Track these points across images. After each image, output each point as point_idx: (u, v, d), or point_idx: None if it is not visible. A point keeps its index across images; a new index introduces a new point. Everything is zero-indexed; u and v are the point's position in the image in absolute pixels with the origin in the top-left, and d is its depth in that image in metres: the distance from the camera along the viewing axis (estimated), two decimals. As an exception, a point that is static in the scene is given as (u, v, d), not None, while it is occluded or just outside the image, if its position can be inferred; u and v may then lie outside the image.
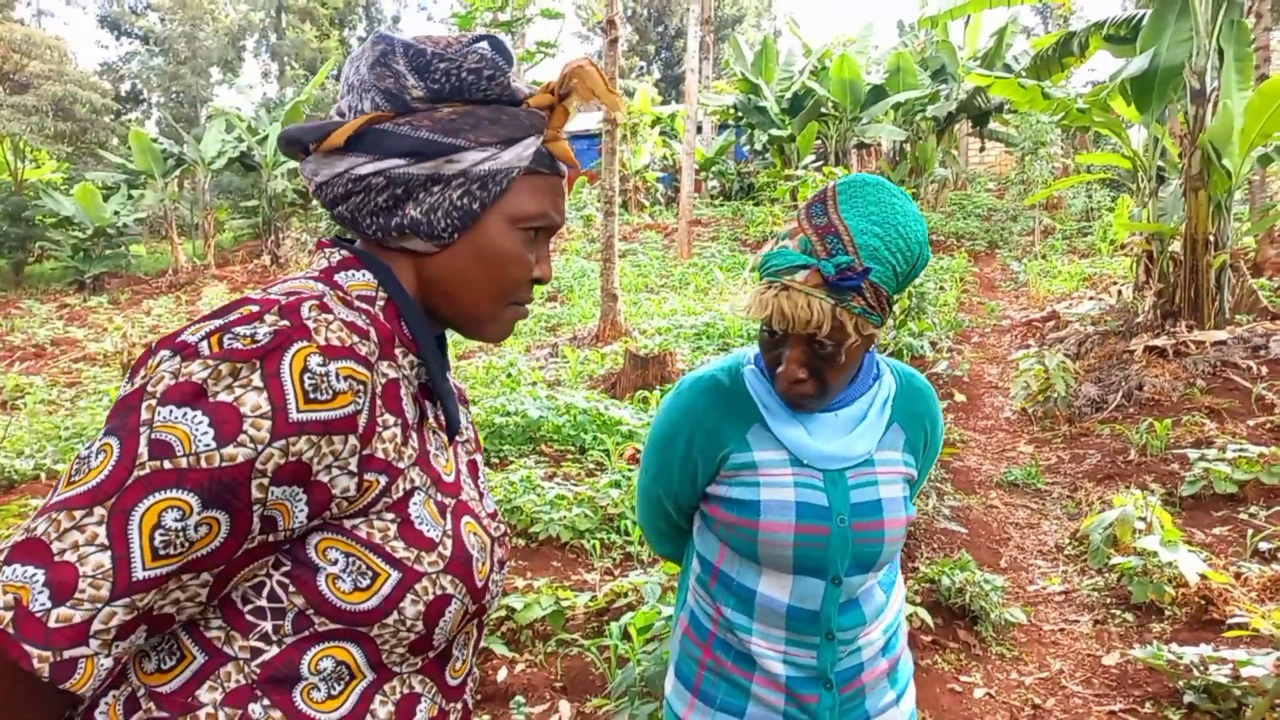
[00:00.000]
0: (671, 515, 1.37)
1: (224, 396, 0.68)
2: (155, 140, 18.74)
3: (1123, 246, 11.51)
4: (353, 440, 0.73)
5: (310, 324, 0.72)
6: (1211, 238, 6.87)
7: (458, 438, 0.93)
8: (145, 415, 0.68)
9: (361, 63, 0.83)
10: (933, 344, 7.74)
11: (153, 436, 0.67)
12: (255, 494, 0.69)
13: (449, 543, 0.80)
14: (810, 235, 1.14)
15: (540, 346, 9.02)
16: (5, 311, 14.79)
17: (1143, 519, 3.64)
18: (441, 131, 0.80)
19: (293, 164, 16.21)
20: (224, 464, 0.67)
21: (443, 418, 0.88)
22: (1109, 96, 7.56)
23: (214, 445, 0.67)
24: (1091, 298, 9.57)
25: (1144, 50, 7.03)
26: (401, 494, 0.78)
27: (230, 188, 21.11)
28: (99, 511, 0.66)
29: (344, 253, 0.85)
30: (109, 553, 0.66)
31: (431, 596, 0.78)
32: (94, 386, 8.74)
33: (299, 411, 0.69)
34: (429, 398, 0.87)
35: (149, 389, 0.69)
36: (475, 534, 0.85)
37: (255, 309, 0.72)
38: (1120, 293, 8.84)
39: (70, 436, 6.27)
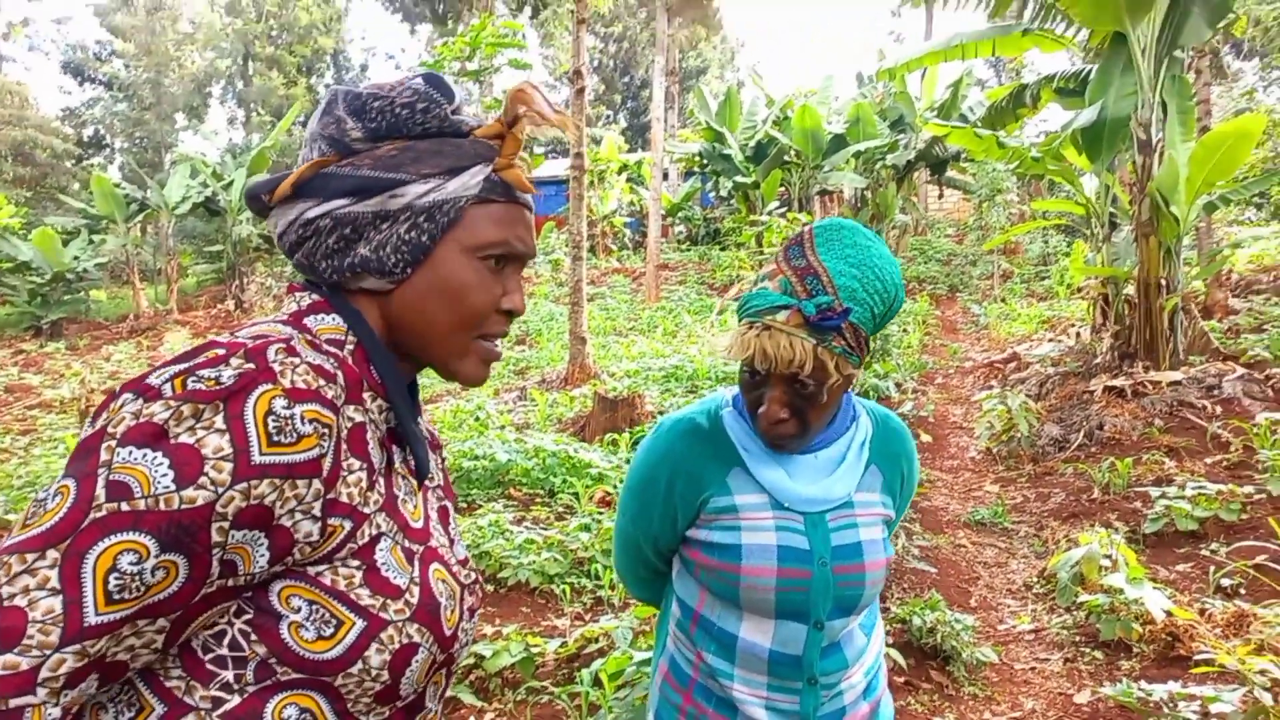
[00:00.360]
0: (650, 559, 1.36)
1: (185, 438, 0.67)
2: (118, 185, 18.58)
3: (1079, 290, 11.82)
4: (316, 484, 0.72)
5: (276, 367, 0.71)
6: (1163, 281, 7.09)
7: (428, 483, 0.92)
8: (104, 456, 0.66)
9: (314, 116, 0.86)
10: (898, 385, 7.84)
11: (111, 478, 0.65)
12: (215, 537, 0.67)
13: (416, 590, 0.79)
14: (790, 276, 1.16)
15: (509, 389, 8.98)
16: (-44, 358, 14.38)
17: (1108, 557, 3.68)
18: (382, 168, 0.81)
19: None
20: (183, 506, 0.66)
21: (412, 462, 0.87)
22: (1061, 146, 7.84)
23: (173, 487, 0.66)
24: (1051, 339, 9.80)
25: (1092, 103, 7.32)
26: (367, 540, 0.77)
27: (194, 233, 20.91)
28: (51, 555, 0.64)
29: (314, 296, 0.84)
30: (60, 597, 0.64)
31: (397, 645, 0.76)
32: (49, 434, 8.50)
33: (262, 454, 0.68)
34: (398, 442, 0.86)
35: (109, 430, 0.68)
36: (444, 581, 0.83)
37: (221, 352, 0.72)
38: (1078, 334, 9.06)
39: (23, 485, 6.08)
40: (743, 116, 18.24)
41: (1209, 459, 5.36)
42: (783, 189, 17.36)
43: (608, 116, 36.84)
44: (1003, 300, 13.54)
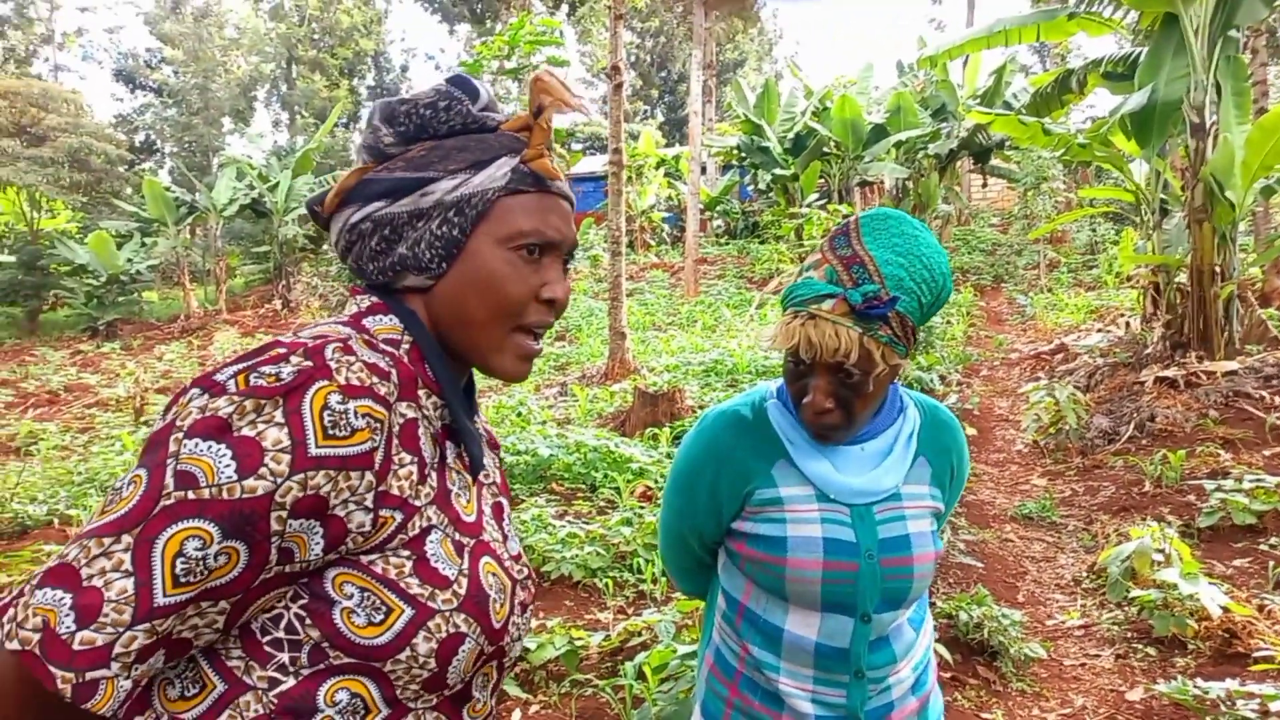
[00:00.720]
0: (695, 551, 1.36)
1: (247, 431, 0.70)
2: (168, 189, 19.07)
3: (1129, 279, 11.54)
4: (369, 476, 0.75)
5: (332, 364, 0.75)
6: (1218, 269, 6.89)
7: (483, 479, 0.94)
8: (173, 448, 0.70)
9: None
10: (942, 377, 7.74)
11: (178, 468, 0.70)
12: (274, 526, 0.71)
13: (464, 581, 0.81)
14: (836, 265, 1.15)
15: (549, 385, 9.05)
16: (20, 359, 14.94)
17: (1160, 551, 3.60)
18: (413, 168, 0.85)
19: (304, 210, 16.51)
20: (245, 495, 0.70)
21: (466, 458, 0.90)
22: (1109, 132, 7.64)
23: (235, 477, 0.69)
24: (1099, 330, 9.58)
25: (1142, 87, 7.12)
26: (417, 531, 0.79)
27: (242, 234, 21.40)
28: (125, 539, 0.69)
29: (373, 299, 0.88)
30: (132, 579, 0.68)
31: (444, 634, 0.79)
32: (107, 432, 8.77)
33: (318, 447, 0.72)
34: (452, 438, 0.88)
35: (177, 424, 0.72)
36: (494, 575, 0.85)
37: (283, 350, 0.76)
38: (1128, 324, 8.85)
39: (83, 481, 6.28)
40: (781, 108, 18.08)
41: (1267, 451, 5.20)
42: (822, 181, 17.20)
43: (645, 111, 36.82)
44: (1049, 290, 13.26)
